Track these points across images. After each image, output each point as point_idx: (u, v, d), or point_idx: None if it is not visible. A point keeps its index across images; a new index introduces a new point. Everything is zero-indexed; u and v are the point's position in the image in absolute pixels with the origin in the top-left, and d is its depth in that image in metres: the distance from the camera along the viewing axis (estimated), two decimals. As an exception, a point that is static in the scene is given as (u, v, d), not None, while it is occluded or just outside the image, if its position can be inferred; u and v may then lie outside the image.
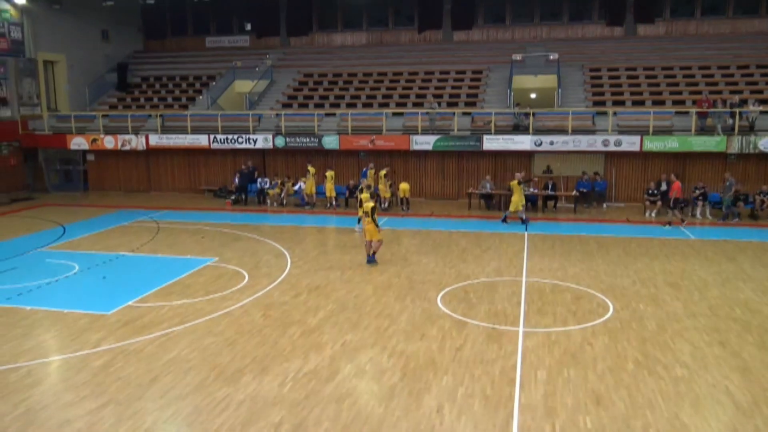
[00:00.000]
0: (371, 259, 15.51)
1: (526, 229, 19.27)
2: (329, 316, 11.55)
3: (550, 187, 23.04)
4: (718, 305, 12.05)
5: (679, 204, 20.43)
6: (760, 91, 25.25)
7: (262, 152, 26.94)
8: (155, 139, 27.18)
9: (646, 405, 8.03)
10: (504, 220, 20.50)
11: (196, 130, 27.09)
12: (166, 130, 27.80)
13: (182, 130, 27.25)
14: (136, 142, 27.28)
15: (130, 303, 12.36)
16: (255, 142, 26.14)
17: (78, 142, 27.91)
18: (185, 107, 29.96)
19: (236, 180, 25.57)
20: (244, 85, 31.01)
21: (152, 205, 25.06)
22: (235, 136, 26.31)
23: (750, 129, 22.80)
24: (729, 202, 21.08)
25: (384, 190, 23.30)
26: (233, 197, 25.45)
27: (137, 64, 35.01)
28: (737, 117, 22.44)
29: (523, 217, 20.23)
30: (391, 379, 8.84)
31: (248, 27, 35.59)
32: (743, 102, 23.45)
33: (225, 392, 8.50)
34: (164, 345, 10.20)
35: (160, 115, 28.35)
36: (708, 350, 9.81)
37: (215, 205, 25.28)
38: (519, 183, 20.23)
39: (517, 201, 20.10)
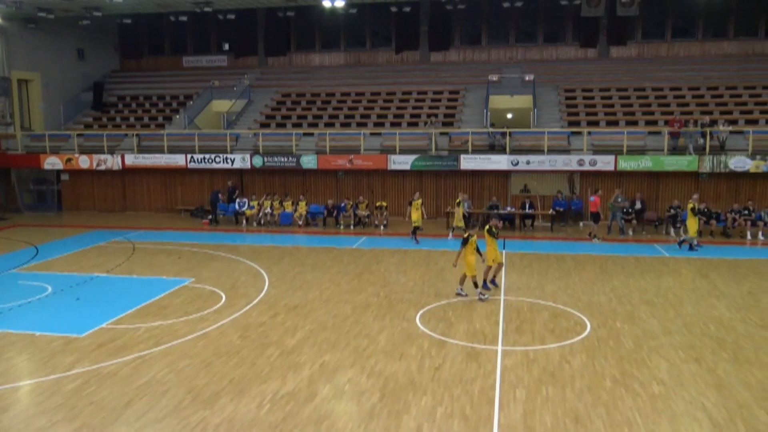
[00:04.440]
0: (486, 286, 14.45)
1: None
2: (307, 337, 11.46)
3: (527, 206, 23.25)
4: (693, 322, 12.20)
5: (597, 219, 21.23)
6: (730, 112, 25.85)
7: (240, 172, 26.83)
8: (131, 159, 26.94)
9: (624, 423, 8.07)
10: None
11: (172, 150, 26.92)
12: (142, 149, 27.61)
13: (159, 150, 27.07)
14: (112, 162, 27.01)
15: (104, 325, 12.15)
16: (233, 161, 26.05)
17: (52, 162, 27.54)
18: (162, 126, 29.79)
19: (217, 196, 25.46)
20: (221, 105, 30.97)
21: (128, 225, 24.76)
22: (213, 156, 26.19)
23: (720, 149, 23.30)
24: (619, 217, 21.80)
25: (458, 219, 21.65)
26: (210, 217, 25.26)
27: (113, 83, 34.79)
28: (708, 137, 22.94)
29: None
30: (370, 400, 8.78)
31: (226, 47, 35.61)
32: (713, 122, 24.01)
33: (201, 415, 8.36)
34: (139, 368, 10.02)
35: (137, 135, 28.13)
36: (684, 367, 9.91)
37: (192, 225, 25.06)
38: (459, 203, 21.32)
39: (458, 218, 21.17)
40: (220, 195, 25.43)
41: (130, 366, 10.09)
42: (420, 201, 21.38)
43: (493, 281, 14.85)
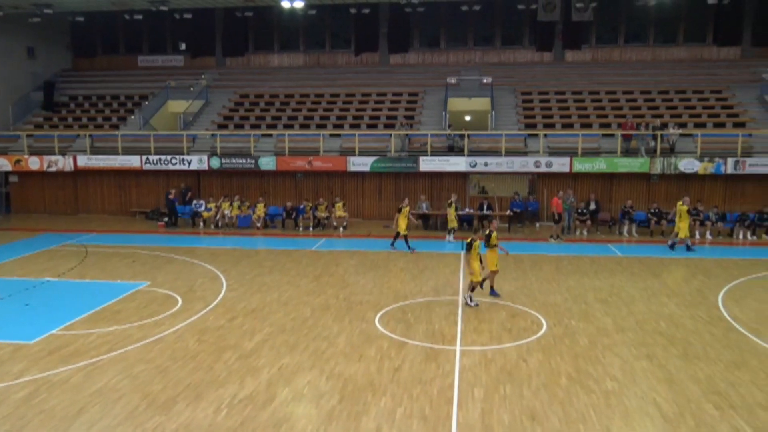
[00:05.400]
0: (493, 293, 14.32)
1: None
2: (266, 340, 11.37)
3: (485, 207, 23.52)
4: (644, 320, 12.53)
5: (559, 220, 21.68)
6: (679, 115, 26.64)
7: (197, 173, 26.43)
8: (84, 160, 26.27)
9: (579, 419, 8.23)
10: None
11: (127, 151, 26.36)
12: (95, 150, 26.93)
13: (113, 151, 26.47)
14: (63, 163, 26.29)
15: (54, 331, 11.81)
16: (189, 163, 25.65)
17: (0, 163, 26.65)
18: (116, 127, 29.13)
19: (170, 199, 25.02)
20: (178, 105, 30.45)
21: (80, 228, 24.12)
22: (169, 157, 25.74)
23: (671, 151, 23.99)
24: (570, 217, 22.33)
25: (452, 219, 21.69)
26: (166, 219, 24.81)
27: (65, 82, 33.84)
28: (659, 140, 23.60)
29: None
30: (330, 402, 8.75)
31: (182, 46, 35.04)
32: (664, 125, 24.72)
33: (157, 421, 8.21)
34: (92, 374, 9.78)
35: (90, 135, 27.44)
36: (636, 364, 10.17)
37: (147, 227, 24.57)
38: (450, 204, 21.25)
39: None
40: (169, 196, 24.83)
41: (82, 373, 9.83)
42: (408, 208, 20.24)
43: (492, 290, 14.35)
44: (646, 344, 11.08)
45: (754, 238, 21.69)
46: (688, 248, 19.56)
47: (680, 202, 19.79)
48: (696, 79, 29.58)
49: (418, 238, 21.89)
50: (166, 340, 11.39)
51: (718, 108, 27.28)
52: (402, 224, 19.57)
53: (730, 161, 22.95)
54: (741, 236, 21.74)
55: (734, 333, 11.68)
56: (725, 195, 23.93)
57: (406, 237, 19.60)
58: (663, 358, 10.42)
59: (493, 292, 14.28)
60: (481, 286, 13.95)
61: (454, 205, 21.79)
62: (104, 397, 8.92)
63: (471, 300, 13.45)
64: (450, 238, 21.46)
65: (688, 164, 23.12)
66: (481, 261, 13.63)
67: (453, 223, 21.56)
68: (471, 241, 13.40)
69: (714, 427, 7.97)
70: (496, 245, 14.15)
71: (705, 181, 23.76)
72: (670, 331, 11.84)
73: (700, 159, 23.14)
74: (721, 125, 25.90)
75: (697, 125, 25.84)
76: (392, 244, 20.00)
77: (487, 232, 14.13)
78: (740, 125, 25.63)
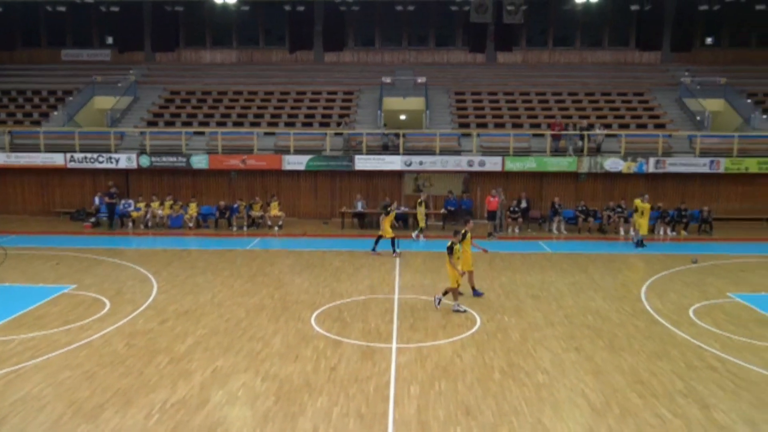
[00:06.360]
0: (476, 293, 14.11)
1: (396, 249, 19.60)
2: (199, 342, 11.12)
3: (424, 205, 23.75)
4: (573, 314, 12.96)
5: (494, 217, 22.27)
6: (605, 116, 27.72)
7: (126, 172, 25.56)
8: (2, 158, 25.03)
9: (511, 412, 8.44)
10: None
11: (50, 149, 25.27)
12: (15, 148, 25.66)
13: (34, 149, 25.31)
14: (-20, 161, 24.93)
15: (-29, 338, 11.19)
16: (117, 161, 24.80)
17: None
18: (38, 124, 27.85)
19: (96, 201, 24.08)
20: (104, 102, 29.38)
21: (-1, 229, 22.95)
22: (95, 155, 24.82)
23: (597, 151, 24.92)
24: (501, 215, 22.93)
25: (421, 219, 21.81)
26: (93, 220, 23.89)
27: (-19, 76, 32.13)
28: (586, 140, 24.48)
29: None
30: (265, 404, 8.65)
31: (109, 41, 33.85)
32: (591, 126, 25.66)
33: (84, 429, 7.90)
34: (12, 383, 9.31)
35: (9, 132, 26.10)
36: (565, 356, 10.51)
37: (73, 228, 23.60)
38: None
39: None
40: (107, 199, 23.79)
41: (2, 381, 9.35)
42: (395, 213, 19.89)
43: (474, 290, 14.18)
44: (575, 337, 11.47)
45: (674, 234, 22.79)
46: (640, 244, 20.24)
47: (639, 200, 20.43)
48: (620, 81, 30.85)
49: (353, 238, 21.93)
50: (94, 344, 10.97)
51: (641, 110, 28.55)
52: (387, 227, 18.79)
53: (652, 160, 24.06)
54: (662, 232, 22.79)
55: (656, 325, 12.24)
56: (647, 193, 25.00)
57: (393, 239, 18.73)
58: (590, 350, 10.81)
59: (476, 293, 14.05)
60: (475, 290, 13.92)
61: (424, 204, 21.88)
62: (26, 406, 8.52)
63: (459, 306, 12.98)
64: (419, 236, 21.48)
65: (613, 164, 24.08)
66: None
67: (422, 223, 21.64)
68: (452, 244, 13.00)
69: (637, 415, 8.33)
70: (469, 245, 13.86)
71: (629, 179, 24.80)
72: (597, 324, 12.29)
73: (624, 158, 24.16)
74: (644, 126, 27.12)
75: (621, 126, 26.96)
76: (374, 249, 19.06)
77: (463, 231, 13.76)
78: (661, 126, 26.92)
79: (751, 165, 24.20)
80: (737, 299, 14.02)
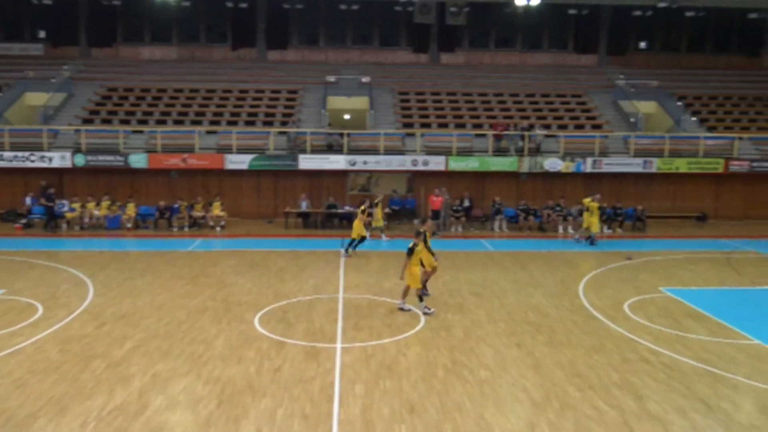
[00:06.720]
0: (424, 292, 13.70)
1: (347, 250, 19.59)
2: (138, 346, 10.82)
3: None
4: (514, 310, 13.23)
5: (438, 216, 22.48)
6: (544, 117, 28.41)
7: (60, 171, 24.62)
8: (-76, 156, 23.71)
9: (455, 409, 8.55)
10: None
11: (-23, 147, 24.09)
12: (-62, 145, 24.39)
13: (-41, 146, 24.09)
14: None
15: None
16: (51, 160, 23.87)
17: None
18: (-37, 120, 26.52)
19: (27, 201, 23.13)
20: (36, 98, 28.22)
21: None
22: (27, 154, 23.82)
23: (537, 151, 25.52)
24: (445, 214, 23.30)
25: (378, 219, 21.50)
26: (24, 221, 22.92)
27: None
28: (526, 140, 25.03)
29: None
30: (207, 408, 8.49)
31: (42, 34, 32.53)
32: (531, 126, 26.26)
33: (14, 440, 7.58)
34: (-64, 393, 8.85)
35: (-69, 129, 24.79)
36: (507, 352, 10.72)
37: (2, 230, 22.59)
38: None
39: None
40: (42, 200, 22.79)
41: (-76, 392, 8.87)
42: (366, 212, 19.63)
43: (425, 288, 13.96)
44: (516, 333, 11.71)
45: (610, 231, 23.56)
46: (592, 242, 20.78)
47: (589, 199, 20.96)
48: (559, 83, 31.67)
49: (297, 238, 21.78)
50: (25, 351, 10.52)
51: (579, 111, 29.39)
52: (360, 227, 18.64)
53: (589, 160, 24.81)
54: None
55: (593, 320, 12.63)
56: (585, 192, 25.73)
57: (363, 238, 18.77)
58: (531, 345, 11.06)
59: (424, 292, 13.81)
60: (424, 290, 13.67)
61: (380, 204, 21.77)
62: (-49, 418, 8.11)
63: (428, 309, 12.82)
64: (379, 235, 21.31)
65: (552, 163, 24.71)
66: (422, 263, 13.26)
67: (379, 223, 21.50)
68: (414, 245, 12.93)
69: (576, 408, 8.58)
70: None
71: (567, 179, 25.49)
72: (537, 320, 12.59)
73: (563, 158, 24.82)
74: (581, 127, 27.93)
75: (560, 127, 27.69)
76: (354, 248, 18.85)
77: (423, 230, 13.63)
78: (597, 127, 27.78)
79: (681, 165, 25.27)
80: (668, 294, 14.62)
